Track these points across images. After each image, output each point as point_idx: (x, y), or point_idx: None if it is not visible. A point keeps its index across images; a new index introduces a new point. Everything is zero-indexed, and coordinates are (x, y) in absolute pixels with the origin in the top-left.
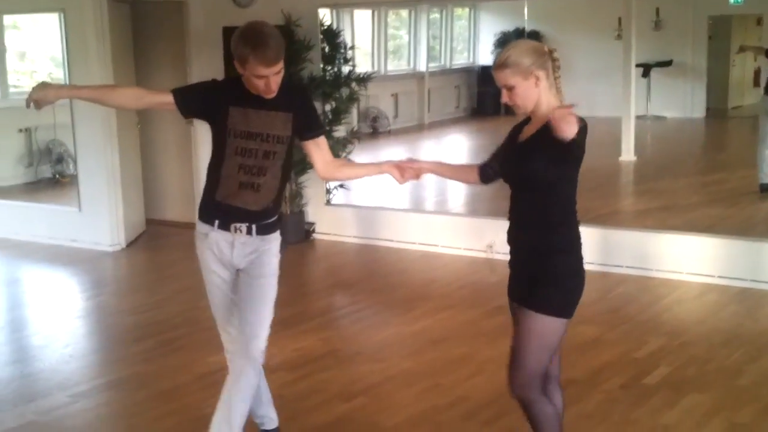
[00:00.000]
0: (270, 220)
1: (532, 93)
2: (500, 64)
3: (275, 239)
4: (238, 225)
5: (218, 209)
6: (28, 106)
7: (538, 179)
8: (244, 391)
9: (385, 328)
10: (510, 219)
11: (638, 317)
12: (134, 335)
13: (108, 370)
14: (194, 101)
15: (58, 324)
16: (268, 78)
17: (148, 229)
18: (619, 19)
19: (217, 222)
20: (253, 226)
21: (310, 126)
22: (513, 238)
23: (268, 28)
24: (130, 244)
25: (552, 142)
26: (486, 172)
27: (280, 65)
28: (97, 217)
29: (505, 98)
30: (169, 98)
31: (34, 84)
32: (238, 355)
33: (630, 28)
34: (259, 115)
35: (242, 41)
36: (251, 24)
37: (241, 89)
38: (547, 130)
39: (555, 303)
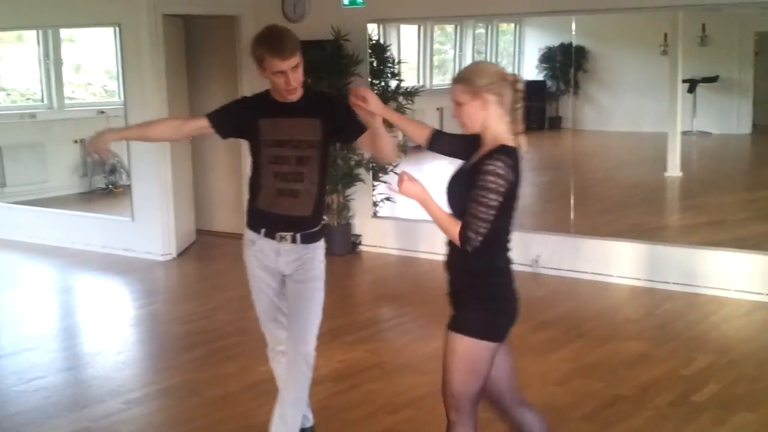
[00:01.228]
0: (314, 229)
1: (478, 115)
2: (456, 78)
3: (319, 247)
4: (283, 234)
5: (263, 218)
6: (89, 156)
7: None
8: (298, 391)
9: (431, 341)
10: (447, 241)
11: (686, 334)
12: (185, 343)
13: (160, 377)
14: (228, 122)
15: (110, 332)
16: (287, 74)
17: (198, 239)
18: (665, 35)
19: (263, 230)
20: (298, 235)
21: (350, 126)
22: (447, 260)
23: (280, 27)
24: (181, 254)
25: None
26: (437, 139)
27: (296, 59)
28: (149, 227)
29: (453, 113)
30: (205, 123)
31: (89, 96)
32: (289, 356)
33: (676, 44)
34: (288, 122)
35: (257, 42)
36: (264, 27)
37: (268, 101)
38: (482, 164)
39: (477, 325)
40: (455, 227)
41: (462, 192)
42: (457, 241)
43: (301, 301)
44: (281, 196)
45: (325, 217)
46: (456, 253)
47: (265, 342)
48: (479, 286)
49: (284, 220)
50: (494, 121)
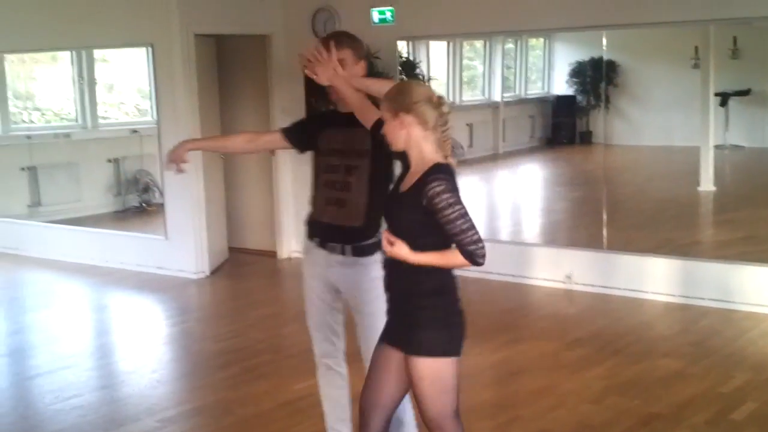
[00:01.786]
0: (366, 242)
1: (398, 133)
2: (384, 95)
3: (375, 262)
4: (332, 244)
5: (317, 227)
6: (167, 169)
7: (412, 231)
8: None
9: (463, 359)
10: (384, 263)
11: (722, 351)
12: (219, 362)
13: (194, 396)
14: (299, 134)
15: (145, 350)
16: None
17: (230, 257)
18: (696, 48)
19: (316, 239)
20: (348, 247)
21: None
22: (387, 282)
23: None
24: (214, 272)
25: (423, 203)
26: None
27: (341, 54)
28: (182, 245)
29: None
30: (278, 136)
31: (122, 116)
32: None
33: (708, 57)
34: (344, 132)
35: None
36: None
37: (333, 114)
38: (421, 187)
39: (438, 344)
40: (458, 258)
41: (409, 217)
42: (471, 265)
43: (365, 333)
44: (329, 204)
45: None
46: (400, 275)
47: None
48: (431, 306)
49: (333, 230)
50: (417, 141)
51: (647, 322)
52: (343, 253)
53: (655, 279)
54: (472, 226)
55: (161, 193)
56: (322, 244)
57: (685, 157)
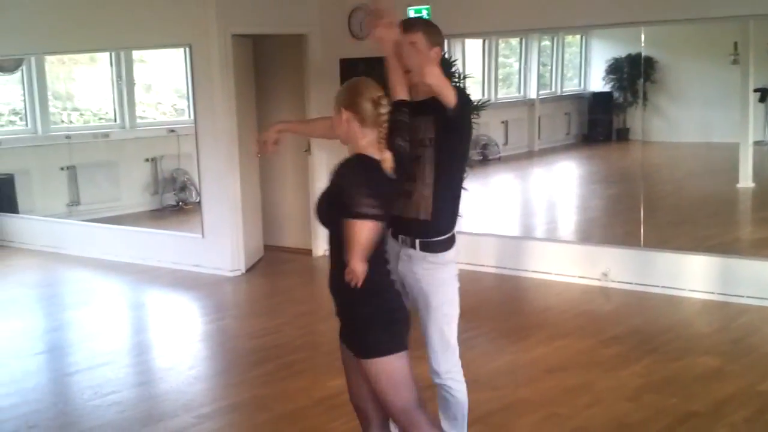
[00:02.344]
0: (436, 238)
1: (341, 127)
2: None
3: (447, 263)
4: (403, 237)
5: (391, 219)
6: (259, 154)
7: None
8: (455, 417)
9: (499, 356)
10: (330, 266)
11: (762, 349)
12: (255, 358)
13: (230, 392)
14: None
15: (182, 347)
16: (401, 45)
17: (266, 255)
18: (735, 44)
19: (391, 230)
20: (417, 241)
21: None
22: (330, 283)
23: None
24: (250, 270)
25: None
26: None
27: (413, 37)
28: (218, 243)
29: None
30: None
31: (160, 115)
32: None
33: (747, 53)
34: (412, 121)
35: None
36: None
37: (400, 103)
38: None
39: (383, 342)
40: (358, 228)
41: (330, 211)
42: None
43: (427, 331)
44: (400, 197)
45: None
46: (339, 279)
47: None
48: (368, 307)
49: (403, 223)
50: (355, 136)
51: (685, 320)
52: (413, 246)
53: (692, 276)
54: (360, 194)
55: (198, 192)
56: (395, 236)
57: (724, 153)
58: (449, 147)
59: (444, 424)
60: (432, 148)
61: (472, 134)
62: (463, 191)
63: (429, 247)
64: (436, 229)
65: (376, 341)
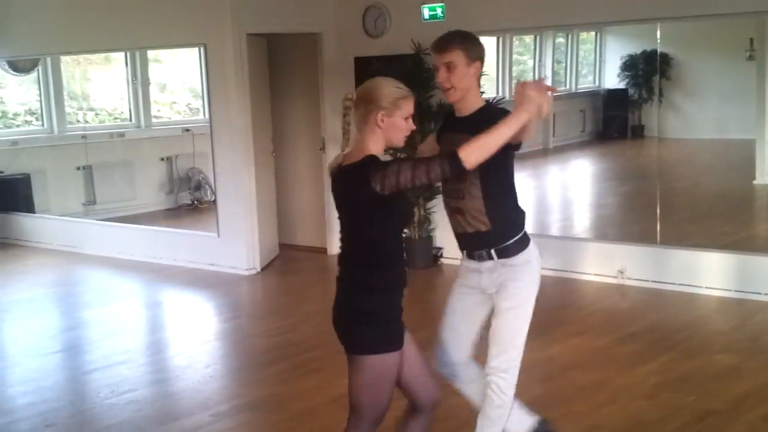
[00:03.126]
0: (508, 243)
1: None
2: None
3: (524, 264)
4: (478, 252)
5: (459, 240)
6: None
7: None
8: (484, 414)
9: None
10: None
11: None
12: (270, 357)
13: (246, 390)
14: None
15: (198, 345)
16: (438, 68)
17: (281, 254)
18: (751, 40)
19: (465, 252)
20: (492, 251)
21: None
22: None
23: (455, 30)
24: (265, 268)
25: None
26: None
27: (449, 56)
28: (234, 242)
29: None
30: (432, 140)
31: (175, 115)
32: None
33: (764, 49)
34: (454, 138)
35: None
36: None
37: (450, 116)
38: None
39: (379, 340)
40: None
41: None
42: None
43: (495, 328)
44: (454, 214)
45: None
46: (348, 266)
47: None
48: (372, 300)
49: (469, 239)
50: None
51: (702, 317)
52: (490, 257)
53: (709, 274)
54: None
55: (213, 191)
56: (470, 255)
57: (741, 150)
58: (494, 161)
59: (481, 422)
60: None
61: None
62: (516, 187)
63: (504, 253)
64: (501, 235)
65: (373, 338)
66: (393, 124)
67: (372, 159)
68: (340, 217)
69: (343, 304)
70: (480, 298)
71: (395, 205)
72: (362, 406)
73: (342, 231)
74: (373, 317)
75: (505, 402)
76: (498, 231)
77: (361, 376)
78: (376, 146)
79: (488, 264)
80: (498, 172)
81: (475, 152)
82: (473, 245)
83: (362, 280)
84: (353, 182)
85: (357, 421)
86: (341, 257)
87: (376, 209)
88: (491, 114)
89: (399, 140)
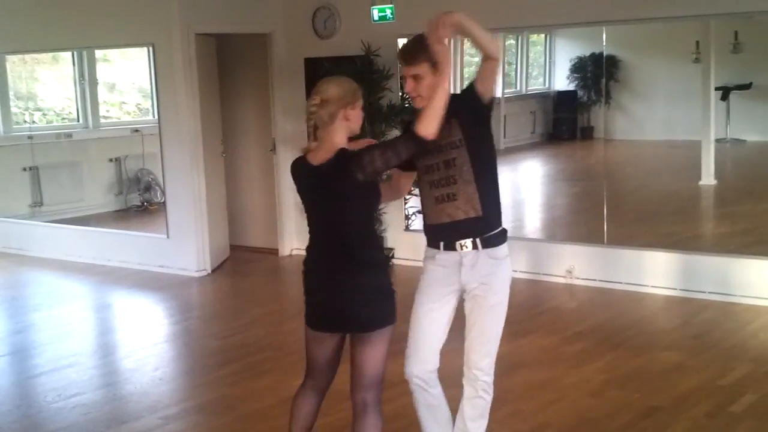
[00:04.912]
0: (493, 232)
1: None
2: None
3: (504, 258)
4: (462, 242)
5: (438, 232)
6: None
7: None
8: (473, 416)
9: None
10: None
11: (722, 344)
12: (220, 359)
13: (196, 393)
14: None
15: (147, 348)
16: (407, 79)
17: (232, 255)
18: (697, 43)
19: (442, 243)
20: (478, 240)
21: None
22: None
23: (419, 37)
24: (215, 270)
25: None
26: None
27: (416, 69)
28: (184, 243)
29: None
30: None
31: (124, 115)
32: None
33: (709, 52)
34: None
35: None
36: None
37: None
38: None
39: (391, 310)
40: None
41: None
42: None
43: (478, 325)
44: (440, 203)
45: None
46: (337, 249)
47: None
48: (372, 274)
49: (457, 227)
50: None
51: (648, 316)
52: (475, 247)
53: (655, 273)
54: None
55: (163, 192)
56: (450, 246)
57: (687, 151)
58: (480, 142)
59: (468, 424)
60: (464, 148)
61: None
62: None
63: (490, 242)
64: (489, 223)
65: (386, 310)
66: (356, 115)
67: (345, 152)
68: (314, 212)
69: (347, 288)
70: (450, 297)
71: (372, 185)
72: (380, 377)
73: (318, 225)
74: (385, 289)
75: (491, 396)
76: (487, 218)
77: (382, 348)
78: (341, 139)
79: (470, 255)
80: (488, 158)
81: (429, 122)
82: (459, 233)
83: (363, 257)
84: (335, 176)
85: (378, 392)
86: (323, 251)
87: (362, 194)
88: (451, 100)
89: (358, 127)
